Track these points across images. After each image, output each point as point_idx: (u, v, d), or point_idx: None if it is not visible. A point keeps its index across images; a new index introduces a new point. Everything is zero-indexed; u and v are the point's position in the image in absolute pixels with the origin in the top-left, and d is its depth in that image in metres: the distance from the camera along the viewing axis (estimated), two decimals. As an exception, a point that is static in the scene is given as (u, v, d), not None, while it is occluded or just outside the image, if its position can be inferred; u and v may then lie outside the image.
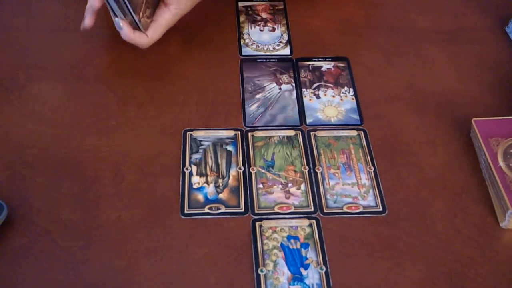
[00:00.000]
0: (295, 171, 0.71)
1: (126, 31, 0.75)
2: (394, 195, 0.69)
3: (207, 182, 0.70)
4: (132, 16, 0.75)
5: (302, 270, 0.62)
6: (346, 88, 0.81)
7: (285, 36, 0.88)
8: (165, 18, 0.78)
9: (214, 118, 0.77)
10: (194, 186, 0.69)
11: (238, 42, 0.87)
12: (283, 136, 0.75)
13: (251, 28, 0.90)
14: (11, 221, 0.65)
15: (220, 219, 0.67)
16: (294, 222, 0.66)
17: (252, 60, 0.85)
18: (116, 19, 0.75)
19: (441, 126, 0.77)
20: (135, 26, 0.77)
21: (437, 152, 0.74)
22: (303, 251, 0.64)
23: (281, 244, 0.64)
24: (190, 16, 0.81)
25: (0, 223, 0.64)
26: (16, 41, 0.86)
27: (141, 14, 0.76)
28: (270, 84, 0.81)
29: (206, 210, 0.67)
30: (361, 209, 0.68)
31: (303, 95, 0.80)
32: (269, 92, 0.80)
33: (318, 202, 0.68)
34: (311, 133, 0.75)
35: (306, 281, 0.61)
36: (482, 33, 0.90)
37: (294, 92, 0.81)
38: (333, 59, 0.85)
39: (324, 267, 0.63)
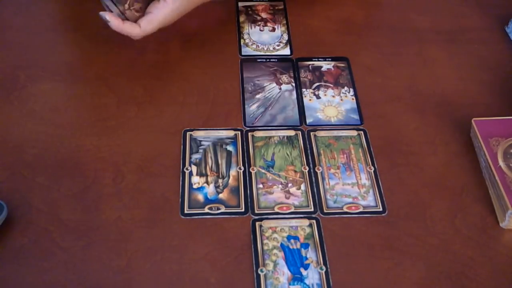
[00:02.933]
0: (295, 171, 0.71)
1: (114, 23, 0.74)
2: (394, 195, 0.69)
3: (207, 182, 0.70)
4: (117, 7, 0.75)
5: (302, 270, 0.62)
6: (346, 88, 0.81)
7: (285, 36, 0.88)
8: (163, 12, 0.77)
9: (214, 118, 0.77)
10: (194, 186, 0.69)
11: (238, 42, 0.87)
12: (283, 136, 0.75)
13: (251, 28, 0.90)
14: (11, 221, 0.65)
15: (220, 219, 0.67)
16: (294, 222, 0.66)
17: (252, 60, 0.85)
18: (101, 12, 0.74)
19: (441, 126, 0.77)
20: (131, 13, 0.76)
21: (437, 152, 0.74)
22: (303, 251, 0.64)
23: (281, 244, 0.64)
24: (190, 16, 0.81)
25: (0, 223, 0.64)
26: (16, 41, 0.86)
27: (126, 5, 0.75)
28: (270, 84, 0.81)
29: (206, 210, 0.67)
30: (361, 209, 0.68)
31: (303, 95, 0.80)
32: (269, 92, 0.80)
33: (318, 202, 0.68)
34: (311, 133, 0.75)
35: (306, 281, 0.61)
36: (482, 33, 0.90)
37: (294, 92, 0.81)
38: (333, 59, 0.85)
39: (324, 267, 0.63)
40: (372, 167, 0.72)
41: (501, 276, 0.63)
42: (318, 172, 0.71)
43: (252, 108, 0.78)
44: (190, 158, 0.72)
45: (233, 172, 0.71)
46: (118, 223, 0.66)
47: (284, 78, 0.82)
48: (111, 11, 0.75)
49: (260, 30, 0.89)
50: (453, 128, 0.77)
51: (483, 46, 0.88)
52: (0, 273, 0.61)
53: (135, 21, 0.77)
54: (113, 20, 0.74)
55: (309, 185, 0.70)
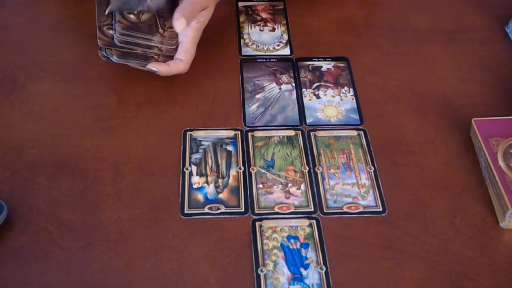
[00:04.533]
0: (295, 171, 0.71)
1: (162, 70, 0.75)
2: (394, 195, 0.69)
3: (207, 182, 0.70)
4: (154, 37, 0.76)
5: (302, 270, 0.62)
6: (346, 88, 0.81)
7: (285, 36, 0.88)
8: (190, 36, 0.77)
9: (214, 118, 0.77)
10: (194, 186, 0.69)
11: (238, 42, 0.87)
12: (283, 136, 0.75)
13: (251, 28, 0.90)
14: (11, 221, 0.65)
15: (220, 219, 0.67)
16: (294, 222, 0.66)
17: (252, 60, 0.85)
18: (147, 66, 0.75)
19: (441, 126, 0.77)
20: (165, 58, 0.77)
21: (437, 152, 0.74)
22: (303, 251, 0.64)
23: (281, 244, 0.64)
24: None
25: (0, 223, 0.64)
26: (16, 41, 0.86)
27: (161, 30, 0.76)
28: (270, 84, 0.81)
29: (206, 210, 0.67)
30: (361, 209, 0.68)
31: (303, 95, 0.80)
32: (269, 92, 0.80)
33: (318, 202, 0.68)
34: (311, 133, 0.75)
35: (306, 281, 0.61)
36: (482, 33, 0.90)
37: (294, 92, 0.81)
38: (333, 59, 0.85)
39: (324, 267, 0.63)
40: (372, 167, 0.72)
41: (501, 276, 0.63)
42: (318, 172, 0.71)
43: (252, 108, 0.78)
44: (190, 158, 0.72)
45: (233, 172, 0.71)
46: (118, 223, 0.66)
47: (284, 78, 0.82)
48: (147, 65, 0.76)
49: (260, 30, 0.89)
50: (453, 128, 0.77)
51: (483, 46, 0.88)
52: (0, 273, 0.61)
53: (177, 37, 0.78)
54: (160, 68, 0.75)
55: (309, 185, 0.70)
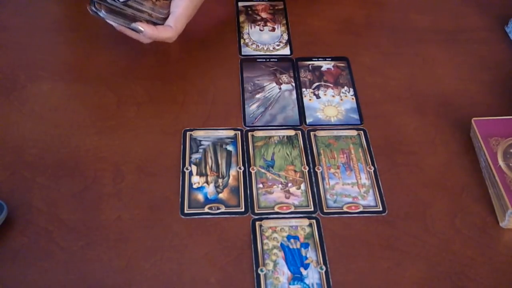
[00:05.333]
0: (295, 171, 0.71)
1: (148, 31, 0.74)
2: (394, 195, 0.69)
3: (207, 182, 0.70)
4: (142, 8, 0.75)
5: (302, 269, 0.62)
6: (346, 88, 0.81)
7: (285, 36, 0.88)
8: (182, 5, 0.77)
9: (214, 118, 0.77)
10: (194, 186, 0.69)
11: (238, 42, 0.87)
12: (283, 136, 0.75)
13: (251, 28, 0.90)
14: (11, 221, 0.65)
15: (220, 219, 0.67)
16: (294, 222, 0.66)
17: (252, 60, 0.85)
18: (132, 24, 0.74)
19: (441, 126, 0.77)
20: (154, 22, 0.76)
21: (437, 152, 0.74)
22: (303, 250, 0.64)
23: (281, 244, 0.64)
24: (190, 16, 0.81)
25: (0, 223, 0.64)
26: (16, 41, 0.86)
27: None
28: (270, 84, 0.81)
29: (206, 210, 0.67)
30: (361, 209, 0.68)
31: (303, 95, 0.80)
32: (269, 92, 0.80)
33: (318, 202, 0.68)
34: (311, 133, 0.75)
35: (306, 281, 0.61)
36: (482, 33, 0.90)
37: (294, 92, 0.81)
38: (333, 59, 0.85)
39: (324, 267, 0.63)
40: (372, 167, 0.72)
41: (501, 276, 0.63)
42: (318, 172, 0.71)
43: (252, 108, 0.78)
44: (190, 158, 0.72)
45: (233, 172, 0.71)
46: (118, 223, 0.66)
47: (284, 78, 0.82)
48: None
49: (260, 30, 0.89)
50: (453, 128, 0.77)
51: (483, 46, 0.88)
52: (0, 273, 0.61)
53: (168, 8, 0.77)
54: (146, 28, 0.74)
55: (309, 185, 0.70)
